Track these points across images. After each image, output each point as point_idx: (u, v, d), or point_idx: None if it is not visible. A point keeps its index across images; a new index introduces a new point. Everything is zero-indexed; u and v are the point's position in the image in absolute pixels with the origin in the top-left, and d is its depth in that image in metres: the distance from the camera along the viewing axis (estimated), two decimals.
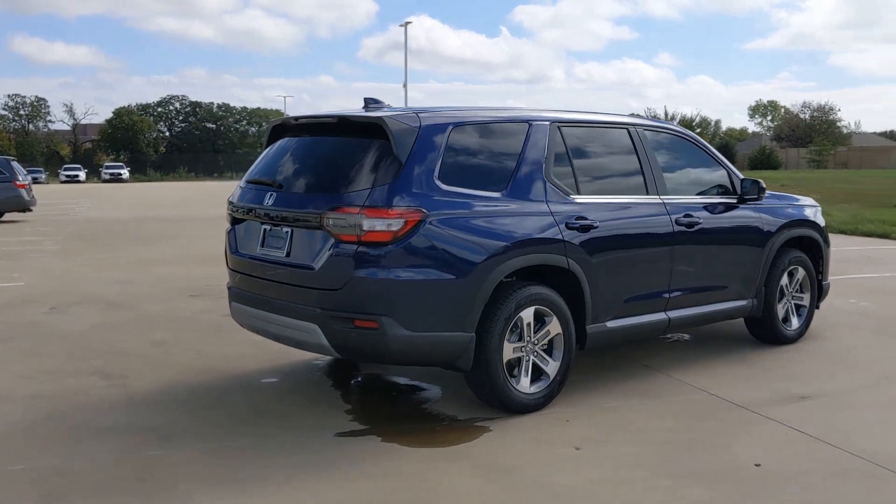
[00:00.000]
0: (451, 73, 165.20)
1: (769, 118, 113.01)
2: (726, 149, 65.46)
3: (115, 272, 11.29)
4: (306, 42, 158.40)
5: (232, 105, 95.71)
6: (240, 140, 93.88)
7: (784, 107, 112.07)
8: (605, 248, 5.48)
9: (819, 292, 7.30)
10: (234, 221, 5.64)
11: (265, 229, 5.29)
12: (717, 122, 77.39)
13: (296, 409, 5.30)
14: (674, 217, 5.97)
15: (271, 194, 5.20)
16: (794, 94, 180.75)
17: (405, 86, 42.88)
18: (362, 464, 4.40)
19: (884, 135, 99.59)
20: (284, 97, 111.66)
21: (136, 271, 11.38)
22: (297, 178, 5.25)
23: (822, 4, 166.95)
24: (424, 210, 4.74)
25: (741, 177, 6.71)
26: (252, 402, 5.51)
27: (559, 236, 5.23)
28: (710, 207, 6.32)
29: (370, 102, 5.52)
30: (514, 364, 5.13)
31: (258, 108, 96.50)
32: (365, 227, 4.68)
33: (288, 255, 5.07)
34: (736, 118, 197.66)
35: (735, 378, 5.98)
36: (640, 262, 5.80)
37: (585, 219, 5.39)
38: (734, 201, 6.56)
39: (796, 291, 7.08)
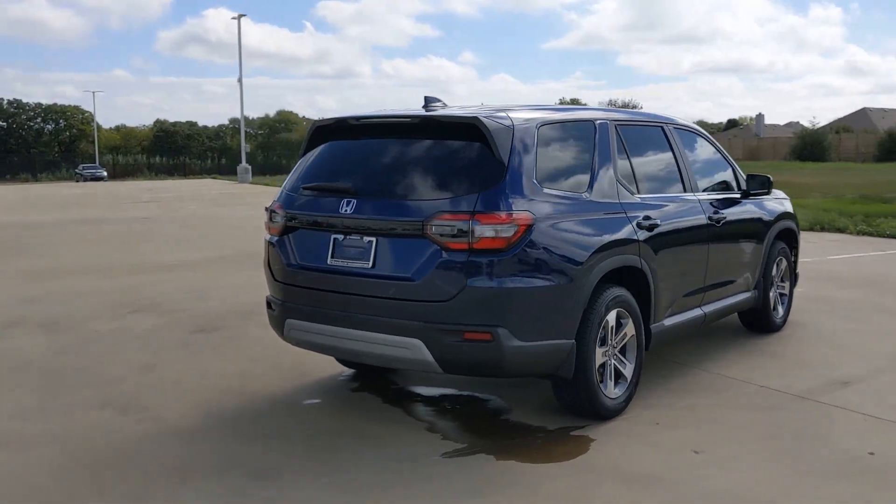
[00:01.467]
0: (255, 66, 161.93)
1: None
2: None
3: (12, 288, 10.06)
4: (96, 34, 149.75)
5: (25, 101, 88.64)
6: (35, 139, 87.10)
7: (586, 104, 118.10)
8: (665, 247, 5.47)
9: (794, 281, 7.68)
10: (286, 230, 5.14)
11: (336, 239, 4.86)
12: None
13: (374, 432, 4.91)
14: (706, 213, 6.06)
15: (349, 202, 4.77)
16: (587, 93, 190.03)
17: (240, 80, 41.10)
18: (506, 486, 4.14)
19: None
20: (94, 92, 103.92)
21: (36, 286, 10.17)
22: (380, 183, 4.85)
23: (608, 7, 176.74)
24: (533, 214, 4.52)
25: (742, 173, 6.93)
26: (315, 427, 5.05)
27: (634, 237, 5.17)
28: (727, 203, 6.47)
29: (431, 101, 5.22)
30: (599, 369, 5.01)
31: (55, 105, 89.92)
32: (477, 234, 4.40)
33: (373, 266, 4.68)
34: None
35: (764, 368, 6.15)
36: (689, 259, 5.85)
37: (650, 218, 5.36)
38: (739, 196, 6.75)
39: (780, 281, 7.41)
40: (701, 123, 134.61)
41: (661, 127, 6.08)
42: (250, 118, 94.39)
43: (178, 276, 10.80)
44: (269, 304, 5.35)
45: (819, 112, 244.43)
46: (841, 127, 67.20)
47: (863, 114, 77.20)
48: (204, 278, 10.51)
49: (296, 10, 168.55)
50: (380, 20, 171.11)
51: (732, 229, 6.45)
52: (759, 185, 6.82)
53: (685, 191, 6.01)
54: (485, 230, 4.40)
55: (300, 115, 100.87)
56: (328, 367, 6.15)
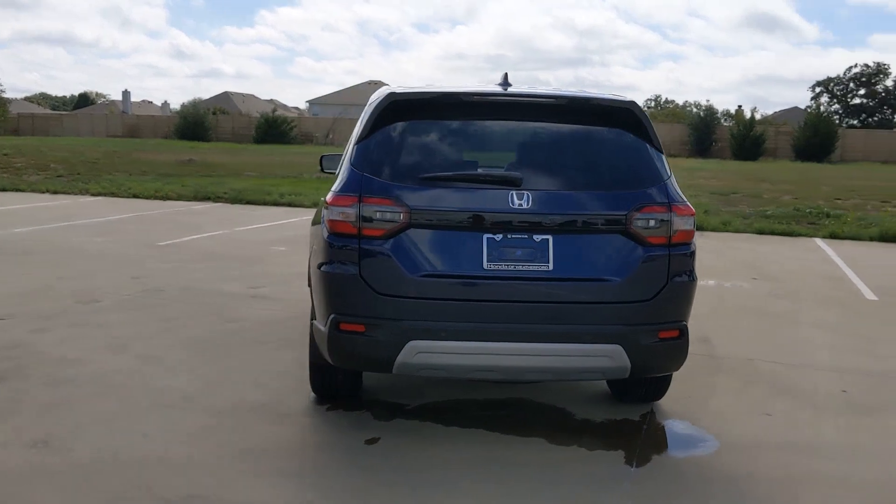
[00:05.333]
0: None
1: None
2: None
3: None
4: None
5: None
6: None
7: None
8: None
9: None
10: (403, 228, 4.02)
11: (491, 238, 4.02)
12: None
13: (500, 457, 4.26)
14: None
15: (520, 194, 4.00)
16: None
17: None
18: (730, 476, 4.14)
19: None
20: None
21: None
22: (547, 173, 4.21)
23: None
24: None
25: None
26: (431, 467, 4.11)
27: None
28: None
29: (506, 80, 4.64)
30: None
31: None
32: (675, 227, 4.20)
33: (554, 267, 4.04)
34: None
35: None
36: None
37: None
38: None
39: None
40: (45, 97, 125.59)
41: None
42: None
43: None
44: (337, 327, 4.11)
45: (152, 92, 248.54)
46: (217, 108, 69.56)
47: (226, 97, 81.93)
48: None
49: None
50: None
51: None
52: None
53: None
54: (678, 222, 4.22)
55: None
56: (288, 400, 5.02)
